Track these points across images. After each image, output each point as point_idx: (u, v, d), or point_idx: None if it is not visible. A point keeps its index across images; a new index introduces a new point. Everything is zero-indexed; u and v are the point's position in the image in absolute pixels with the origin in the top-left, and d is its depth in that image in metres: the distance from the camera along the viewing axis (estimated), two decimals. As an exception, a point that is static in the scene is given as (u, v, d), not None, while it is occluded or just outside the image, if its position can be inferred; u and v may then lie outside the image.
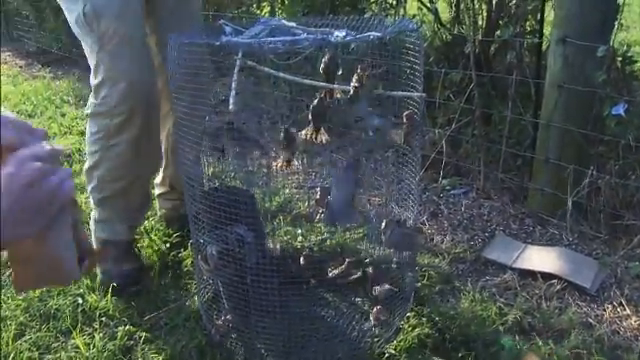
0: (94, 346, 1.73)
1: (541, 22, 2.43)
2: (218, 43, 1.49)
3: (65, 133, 3.57)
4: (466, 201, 2.55)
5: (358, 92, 1.64)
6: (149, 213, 2.32)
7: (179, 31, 1.66)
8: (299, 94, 2.17)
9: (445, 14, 3.34)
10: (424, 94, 1.69)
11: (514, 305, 1.86)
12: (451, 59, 3.07)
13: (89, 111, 1.92)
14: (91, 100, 1.91)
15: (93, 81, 1.86)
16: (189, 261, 2.11)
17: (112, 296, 1.92)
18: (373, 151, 2.38)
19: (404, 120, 1.68)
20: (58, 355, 1.72)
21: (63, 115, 3.94)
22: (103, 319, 1.85)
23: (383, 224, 1.81)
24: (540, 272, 2.02)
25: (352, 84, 1.65)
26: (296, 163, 1.76)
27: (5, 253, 0.77)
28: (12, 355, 1.71)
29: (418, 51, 1.64)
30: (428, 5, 3.17)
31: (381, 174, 2.52)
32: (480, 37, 2.88)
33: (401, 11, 3.22)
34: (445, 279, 2.02)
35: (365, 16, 2.53)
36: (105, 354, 1.71)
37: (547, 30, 2.55)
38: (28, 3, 6.18)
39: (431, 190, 2.67)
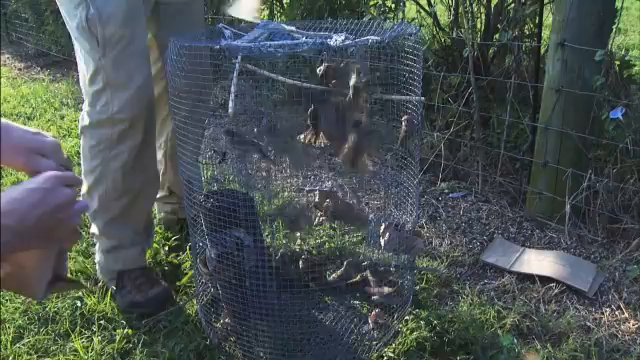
0: (93, 349, 1.73)
1: (539, 26, 2.43)
2: (217, 46, 1.50)
3: (64, 135, 3.58)
4: (465, 204, 2.56)
5: (357, 95, 1.64)
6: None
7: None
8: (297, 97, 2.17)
9: (444, 18, 3.35)
10: (423, 98, 1.70)
11: (512, 308, 1.86)
12: (450, 63, 3.08)
13: (85, 123, 1.85)
14: (87, 109, 1.84)
15: (90, 88, 1.80)
16: (188, 264, 2.12)
17: (111, 299, 1.92)
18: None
19: (403, 124, 1.68)
20: (57, 358, 1.72)
21: (62, 118, 3.95)
22: (102, 322, 1.85)
23: (382, 227, 1.82)
24: (538, 275, 2.02)
25: (351, 85, 1.65)
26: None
27: None
28: (11, 358, 1.71)
29: (417, 55, 1.64)
30: (427, 9, 3.18)
31: (380, 177, 2.52)
32: (479, 41, 2.89)
33: (400, 15, 3.23)
34: (444, 282, 2.02)
35: (364, 20, 2.54)
36: (104, 357, 1.71)
37: (545, 34, 2.56)
38: (28, 6, 6.18)
39: (430, 193, 2.67)
